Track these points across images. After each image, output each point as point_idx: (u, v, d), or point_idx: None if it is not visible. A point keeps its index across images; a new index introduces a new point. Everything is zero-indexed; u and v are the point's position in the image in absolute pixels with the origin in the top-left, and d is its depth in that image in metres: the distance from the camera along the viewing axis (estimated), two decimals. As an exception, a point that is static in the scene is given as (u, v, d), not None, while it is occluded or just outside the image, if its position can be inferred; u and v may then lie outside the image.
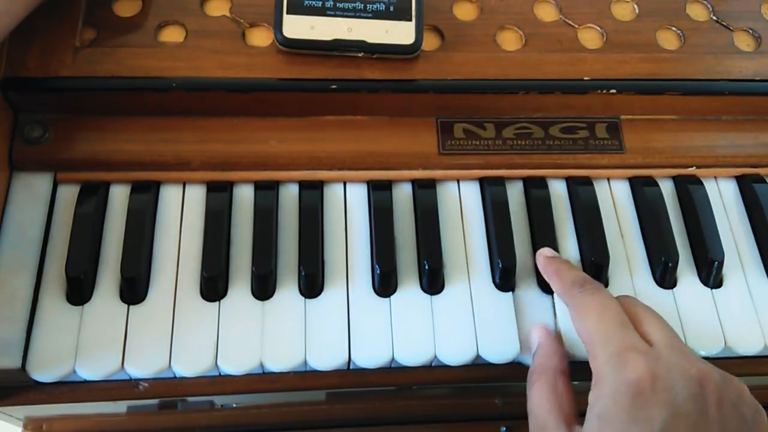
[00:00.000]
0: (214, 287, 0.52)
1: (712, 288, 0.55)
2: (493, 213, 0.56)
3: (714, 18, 0.62)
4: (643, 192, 0.58)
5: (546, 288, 0.54)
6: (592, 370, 0.44)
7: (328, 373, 0.51)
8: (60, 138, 0.54)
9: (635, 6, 0.62)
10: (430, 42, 0.59)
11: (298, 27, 0.55)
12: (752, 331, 0.54)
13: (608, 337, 0.44)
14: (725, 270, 0.56)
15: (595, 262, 0.54)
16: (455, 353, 0.51)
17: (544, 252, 0.54)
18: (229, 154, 0.56)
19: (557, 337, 0.51)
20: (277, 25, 0.55)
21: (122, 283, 0.51)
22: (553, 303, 0.53)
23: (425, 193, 0.56)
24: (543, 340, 0.50)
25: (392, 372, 0.52)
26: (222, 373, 0.51)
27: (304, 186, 0.56)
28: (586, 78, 0.58)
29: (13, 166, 0.54)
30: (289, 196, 0.56)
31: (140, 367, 0.49)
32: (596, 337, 0.45)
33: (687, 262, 0.56)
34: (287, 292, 0.52)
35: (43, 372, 0.49)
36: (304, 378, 0.52)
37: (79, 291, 0.51)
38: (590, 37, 0.61)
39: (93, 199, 0.54)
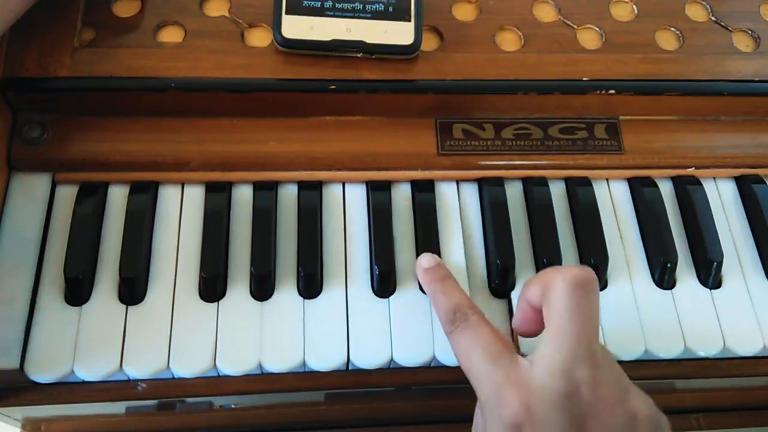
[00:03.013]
0: (212, 288, 0.52)
1: (711, 289, 0.55)
2: (491, 213, 0.56)
3: (713, 19, 0.63)
4: (642, 192, 0.58)
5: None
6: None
7: (327, 373, 0.51)
8: (58, 138, 0.54)
9: (634, 6, 0.62)
10: (429, 42, 0.59)
11: (296, 27, 0.55)
12: (751, 331, 0.54)
13: (479, 376, 0.41)
14: (724, 271, 0.56)
15: (594, 263, 0.54)
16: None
17: (422, 263, 0.51)
18: (228, 154, 0.55)
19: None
20: (276, 26, 0.55)
21: (121, 284, 0.51)
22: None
23: (424, 194, 0.56)
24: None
25: (391, 372, 0.52)
26: (221, 374, 0.51)
27: (303, 186, 0.56)
28: (585, 78, 0.58)
29: (11, 167, 0.54)
30: (288, 196, 0.56)
31: (139, 368, 0.49)
32: (471, 378, 0.42)
33: (686, 262, 0.56)
34: (286, 292, 0.52)
35: (41, 372, 0.48)
36: (302, 378, 0.52)
37: (78, 291, 0.51)
38: (589, 38, 0.61)
39: (92, 200, 0.54)
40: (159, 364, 0.49)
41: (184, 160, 0.55)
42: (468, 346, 0.43)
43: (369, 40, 0.56)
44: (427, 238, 0.54)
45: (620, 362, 0.44)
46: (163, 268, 0.52)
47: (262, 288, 0.52)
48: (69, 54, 0.54)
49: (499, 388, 0.40)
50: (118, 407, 0.60)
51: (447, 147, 0.57)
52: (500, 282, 0.54)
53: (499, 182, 0.57)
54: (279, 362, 0.50)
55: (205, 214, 0.55)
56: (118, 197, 0.55)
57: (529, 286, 0.45)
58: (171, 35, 0.57)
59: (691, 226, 0.57)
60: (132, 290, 0.51)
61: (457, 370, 0.51)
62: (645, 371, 0.53)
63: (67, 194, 0.54)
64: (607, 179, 0.59)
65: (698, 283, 0.56)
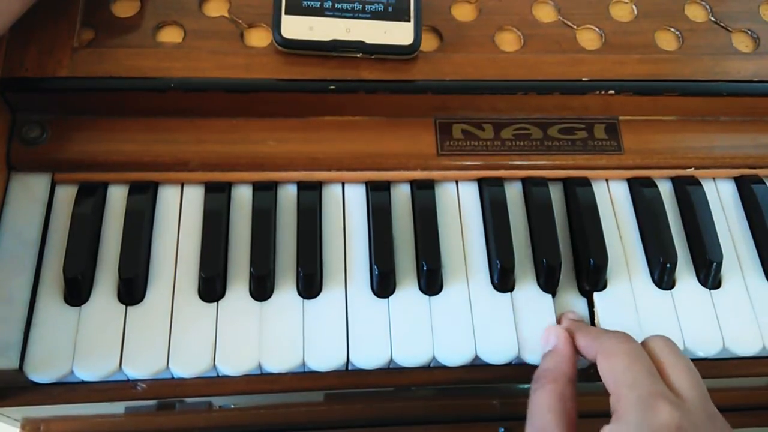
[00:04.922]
0: (212, 288, 0.52)
1: (710, 289, 0.55)
2: (491, 213, 0.56)
3: (712, 19, 0.63)
4: (642, 193, 0.58)
5: (545, 288, 0.54)
6: (611, 408, 0.43)
7: (327, 374, 0.51)
8: (58, 138, 0.54)
9: (634, 7, 0.62)
10: (429, 42, 0.59)
11: (296, 27, 0.55)
12: (750, 332, 0.54)
13: (637, 381, 0.43)
14: (723, 271, 0.56)
15: (594, 263, 0.54)
16: (454, 354, 0.51)
17: (568, 314, 0.53)
18: (228, 154, 0.55)
19: (573, 343, 0.50)
20: (276, 26, 0.55)
21: (120, 284, 0.51)
22: (553, 303, 0.53)
23: (424, 194, 0.56)
24: (560, 344, 0.49)
25: (391, 373, 0.52)
26: (220, 374, 0.51)
27: (303, 187, 0.56)
28: (584, 79, 0.58)
29: (10, 167, 0.54)
30: (288, 196, 0.56)
31: (138, 368, 0.49)
32: (624, 380, 0.43)
33: (685, 263, 0.56)
34: (285, 292, 0.52)
35: (40, 373, 0.48)
36: (302, 379, 0.52)
37: (77, 292, 0.51)
38: (589, 38, 0.61)
39: (91, 200, 0.54)
40: (158, 364, 0.49)
41: (184, 161, 0.55)
42: (628, 356, 0.45)
43: (368, 41, 0.56)
44: (427, 239, 0.54)
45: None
46: (162, 269, 0.52)
47: (262, 288, 0.52)
48: (68, 54, 0.54)
49: (656, 397, 0.42)
50: (118, 407, 0.60)
51: (447, 147, 0.57)
52: (500, 282, 0.54)
53: (499, 182, 0.57)
54: (278, 362, 0.50)
55: (204, 214, 0.54)
56: (117, 197, 0.55)
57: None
58: (170, 35, 0.57)
59: (691, 226, 0.57)
60: (131, 290, 0.51)
61: (456, 371, 0.52)
62: (644, 371, 0.53)
63: (66, 194, 0.54)
64: (607, 179, 0.59)
65: (698, 283, 0.56)
